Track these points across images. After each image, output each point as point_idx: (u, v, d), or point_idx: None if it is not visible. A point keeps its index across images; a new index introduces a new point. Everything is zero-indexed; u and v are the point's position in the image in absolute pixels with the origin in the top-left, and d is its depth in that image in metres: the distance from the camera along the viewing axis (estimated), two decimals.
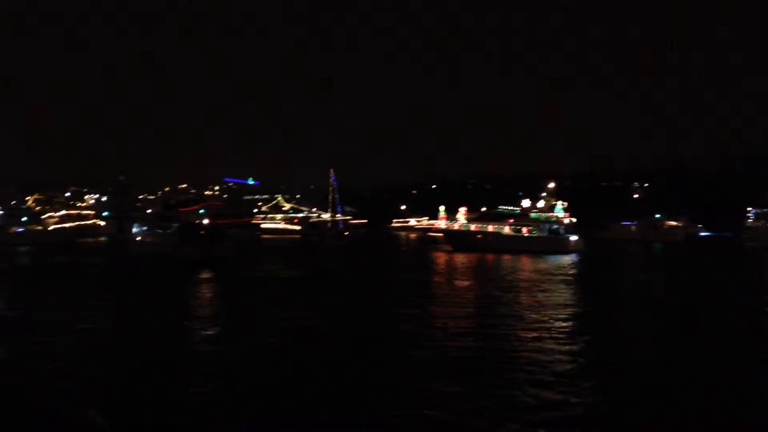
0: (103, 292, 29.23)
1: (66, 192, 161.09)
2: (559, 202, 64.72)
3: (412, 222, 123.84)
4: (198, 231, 48.61)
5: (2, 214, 60.92)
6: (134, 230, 57.21)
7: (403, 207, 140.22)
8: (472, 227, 62.51)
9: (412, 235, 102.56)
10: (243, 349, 16.42)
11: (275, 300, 26.12)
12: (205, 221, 55.10)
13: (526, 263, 46.49)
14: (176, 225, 49.66)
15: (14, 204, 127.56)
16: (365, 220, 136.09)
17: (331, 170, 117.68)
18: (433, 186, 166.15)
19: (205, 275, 34.92)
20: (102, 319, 21.01)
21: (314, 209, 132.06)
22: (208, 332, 19.04)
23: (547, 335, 18.45)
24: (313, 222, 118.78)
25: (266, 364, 14.89)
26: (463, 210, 66.30)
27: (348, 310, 23.47)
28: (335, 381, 13.48)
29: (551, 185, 67.69)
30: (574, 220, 64.32)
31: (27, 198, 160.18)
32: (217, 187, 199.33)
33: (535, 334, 18.51)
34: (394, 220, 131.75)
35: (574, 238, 60.72)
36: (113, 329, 19.32)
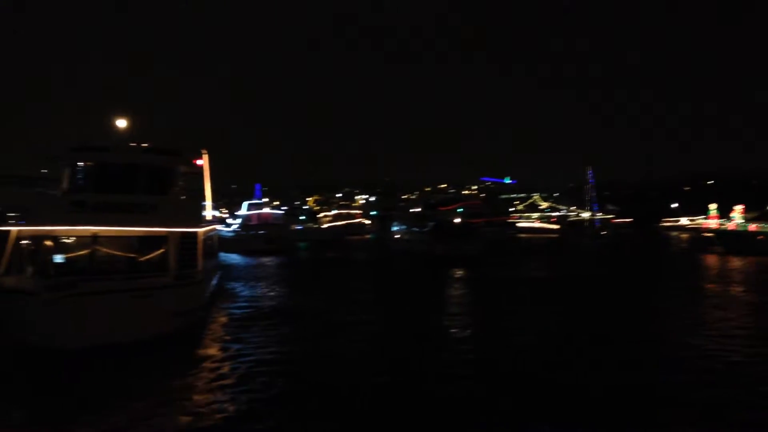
0: (364, 284, 30.86)
1: (339, 193, 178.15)
2: None
3: (684, 221, 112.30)
4: (450, 229, 49.30)
5: (283, 213, 68.88)
6: (393, 228, 60.25)
7: (675, 205, 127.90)
8: (751, 227, 54.40)
9: (683, 236, 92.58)
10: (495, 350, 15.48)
11: (525, 300, 24.78)
12: (457, 220, 55.78)
13: None
14: (431, 223, 50.94)
15: (297, 204, 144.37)
16: (630, 219, 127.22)
17: (589, 168, 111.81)
18: (709, 182, 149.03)
19: (455, 273, 34.94)
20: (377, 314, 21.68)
21: (572, 208, 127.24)
22: (455, 330, 18.43)
23: None
24: (571, 221, 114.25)
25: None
26: (739, 208, 58.11)
27: (603, 316, 21.11)
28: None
29: None
30: None
31: (308, 198, 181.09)
32: (475, 186, 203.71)
33: None
34: (664, 219, 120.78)
35: None
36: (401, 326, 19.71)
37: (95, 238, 16.80)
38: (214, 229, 27.46)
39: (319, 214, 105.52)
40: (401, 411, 10.92)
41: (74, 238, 17.35)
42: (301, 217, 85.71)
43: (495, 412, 10.68)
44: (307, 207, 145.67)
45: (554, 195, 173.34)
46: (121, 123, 21.38)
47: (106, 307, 13.86)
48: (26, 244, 16.70)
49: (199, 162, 23.41)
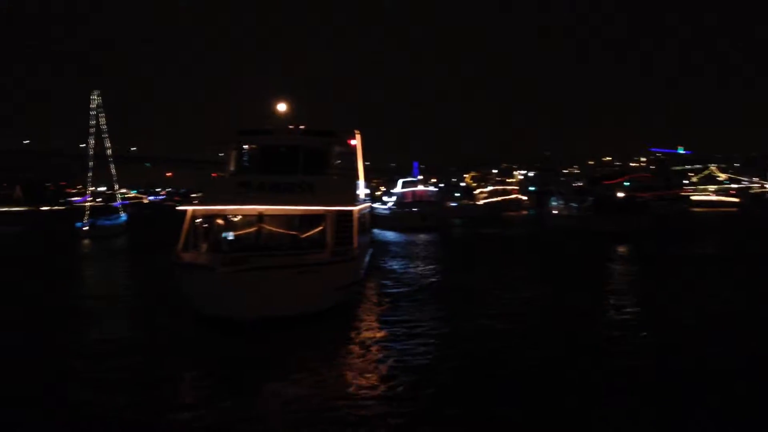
0: (519, 261, 30.25)
1: (495, 169, 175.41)
2: None
3: None
4: (612, 204, 46.71)
5: (438, 191, 69.21)
6: (552, 204, 58.30)
7: None
8: None
9: None
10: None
11: (695, 282, 22.79)
12: (620, 194, 52.60)
13: None
14: (591, 198, 48.55)
15: (454, 181, 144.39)
16: None
17: None
18: None
19: (617, 250, 33.07)
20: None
21: (755, 179, 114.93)
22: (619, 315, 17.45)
23: None
24: (754, 193, 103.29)
25: None
26: None
27: None
28: None
29: None
30: None
31: (465, 175, 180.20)
32: (643, 159, 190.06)
33: None
34: None
35: None
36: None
37: (261, 216, 17.91)
38: (368, 207, 28.26)
39: (475, 190, 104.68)
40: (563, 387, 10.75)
41: (241, 217, 18.73)
42: (456, 194, 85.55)
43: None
44: (464, 184, 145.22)
45: (735, 165, 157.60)
46: (282, 107, 22.65)
47: (275, 282, 14.58)
48: (200, 222, 18.27)
49: (352, 142, 24.20)
